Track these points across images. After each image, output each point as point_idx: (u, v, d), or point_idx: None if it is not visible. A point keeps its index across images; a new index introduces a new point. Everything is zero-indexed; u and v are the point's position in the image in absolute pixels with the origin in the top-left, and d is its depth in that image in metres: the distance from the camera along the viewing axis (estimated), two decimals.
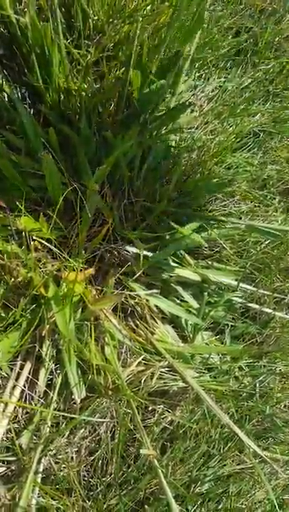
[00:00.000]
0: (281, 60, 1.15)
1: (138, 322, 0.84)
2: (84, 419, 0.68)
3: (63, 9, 0.78)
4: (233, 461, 0.88)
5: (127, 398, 0.69)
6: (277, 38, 1.19)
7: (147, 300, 0.85)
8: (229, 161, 0.95)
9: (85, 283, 0.77)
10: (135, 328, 0.83)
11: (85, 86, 0.72)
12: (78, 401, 0.67)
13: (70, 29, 0.79)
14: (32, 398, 0.70)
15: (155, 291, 0.85)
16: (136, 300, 0.84)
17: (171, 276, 0.88)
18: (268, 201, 1.01)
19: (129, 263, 0.86)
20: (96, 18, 0.79)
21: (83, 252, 0.80)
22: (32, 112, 0.75)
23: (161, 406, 0.78)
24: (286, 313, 0.96)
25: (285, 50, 1.19)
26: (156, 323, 0.86)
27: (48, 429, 0.68)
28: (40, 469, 0.68)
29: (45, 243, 0.69)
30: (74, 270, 0.67)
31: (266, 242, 0.96)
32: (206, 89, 0.99)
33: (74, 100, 0.74)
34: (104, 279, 0.84)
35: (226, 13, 1.04)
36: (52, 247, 0.69)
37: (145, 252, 0.87)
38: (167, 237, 0.89)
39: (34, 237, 0.70)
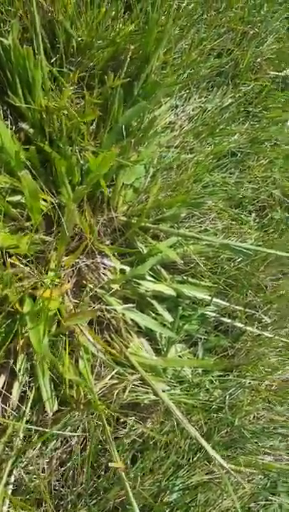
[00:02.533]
0: (261, 81, 1.19)
1: (113, 335, 0.86)
2: (56, 433, 0.70)
3: (48, 30, 0.80)
4: (201, 470, 0.91)
5: (98, 412, 0.71)
6: (258, 60, 1.23)
7: (123, 314, 0.87)
8: (206, 180, 0.98)
9: (61, 297, 0.78)
10: (110, 341, 0.86)
11: (66, 106, 0.74)
12: (50, 414, 0.69)
13: (54, 49, 0.81)
14: (5, 411, 0.71)
15: (131, 305, 0.87)
16: (112, 314, 0.86)
17: (147, 291, 0.91)
18: (243, 219, 1.05)
19: (106, 277, 0.88)
20: (80, 38, 0.81)
21: (60, 266, 0.82)
22: (13, 130, 0.77)
23: (133, 418, 0.81)
24: (257, 328, 1.00)
25: (266, 73, 1.24)
26: (131, 336, 0.88)
27: (20, 442, 0.69)
28: (12, 480, 0.70)
29: (22, 259, 0.71)
30: (51, 286, 0.69)
31: (239, 259, 0.99)
32: (187, 109, 1.02)
33: (55, 119, 0.75)
34: (81, 293, 0.86)
35: (209, 36, 1.07)
36: (29, 264, 0.71)
37: (122, 266, 0.90)
38: (144, 251, 0.92)
39: (11, 253, 0.72)
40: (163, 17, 0.86)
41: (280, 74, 1.21)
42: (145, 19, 0.89)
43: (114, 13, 0.86)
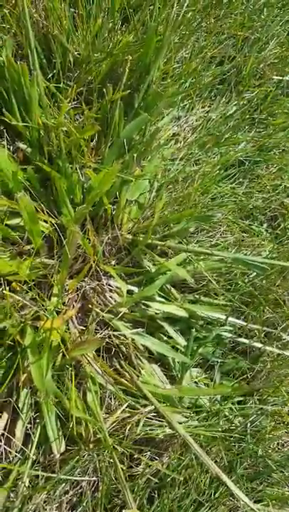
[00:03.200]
0: (265, 87, 1.15)
1: (123, 363, 0.80)
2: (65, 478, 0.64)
3: (43, 44, 0.76)
4: (225, 506, 0.84)
5: (109, 450, 0.65)
6: (261, 66, 1.19)
7: (133, 339, 0.81)
8: (214, 192, 0.93)
9: (65, 325, 0.73)
10: (120, 369, 0.80)
11: (65, 122, 0.70)
12: (58, 456, 0.63)
13: (50, 64, 0.77)
14: (9, 453, 0.65)
15: (140, 330, 0.81)
16: (121, 339, 0.81)
17: (157, 313, 0.85)
18: (255, 230, 1.00)
19: (113, 300, 0.83)
20: (76, 52, 0.78)
21: (64, 290, 0.77)
22: (11, 150, 0.73)
23: (148, 454, 0.74)
24: (276, 347, 0.94)
25: (269, 78, 1.20)
26: (142, 363, 0.82)
27: (26, 487, 0.63)
28: None
29: (23, 285, 0.66)
30: (53, 314, 0.64)
31: (254, 274, 0.93)
32: (190, 119, 0.98)
33: (54, 137, 0.71)
34: (87, 318, 0.81)
35: (209, 43, 1.04)
36: (30, 290, 0.66)
37: (130, 287, 0.84)
38: (152, 270, 0.86)
39: (11, 280, 0.67)
40: (161, 26, 0.83)
41: (284, 78, 1.17)
42: (143, 30, 0.86)
43: (111, 24, 0.83)
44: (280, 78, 1.19)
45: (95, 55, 0.80)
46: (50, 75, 0.79)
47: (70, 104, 0.74)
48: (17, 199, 0.63)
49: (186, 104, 0.99)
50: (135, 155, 0.76)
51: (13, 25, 0.71)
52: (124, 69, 0.77)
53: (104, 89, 0.76)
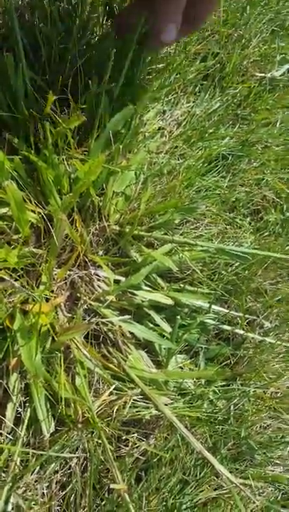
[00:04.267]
0: (248, 84, 1.18)
1: (110, 349, 0.83)
2: (54, 455, 0.66)
3: (29, 37, 0.78)
4: (209, 486, 0.87)
5: (98, 430, 0.67)
6: (244, 62, 1.23)
7: (120, 326, 0.84)
8: (198, 185, 0.96)
9: (54, 312, 0.75)
10: (108, 355, 0.82)
11: (51, 113, 0.72)
12: (47, 436, 0.65)
13: (36, 56, 0.79)
14: (0, 434, 0.67)
15: (128, 316, 0.84)
16: (108, 326, 0.83)
17: (143, 301, 0.88)
18: (238, 223, 1.03)
19: (101, 289, 0.85)
20: (62, 46, 0.80)
21: (52, 279, 0.79)
22: None
23: (135, 435, 0.77)
24: (258, 334, 0.97)
25: (252, 74, 1.23)
26: (130, 349, 0.85)
27: (17, 466, 0.65)
28: (9, 509, 0.66)
29: (12, 273, 0.68)
30: (42, 300, 0.66)
31: (237, 264, 0.97)
32: (175, 114, 1.01)
33: (40, 127, 0.73)
34: (75, 306, 0.83)
35: (193, 40, 1.07)
36: (18, 278, 0.68)
37: (117, 277, 0.87)
38: (139, 260, 0.89)
39: (0, 267, 0.68)
40: None
41: (266, 75, 1.20)
42: None
43: (96, 19, 0.85)
44: (263, 75, 1.23)
45: (81, 47, 0.82)
46: (36, 68, 0.80)
47: (55, 97, 0.75)
48: (4, 187, 0.65)
49: (170, 99, 1.02)
50: (121, 146, 0.79)
51: None
52: (109, 62, 0.79)
53: (89, 81, 0.79)
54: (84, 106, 0.73)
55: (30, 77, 0.73)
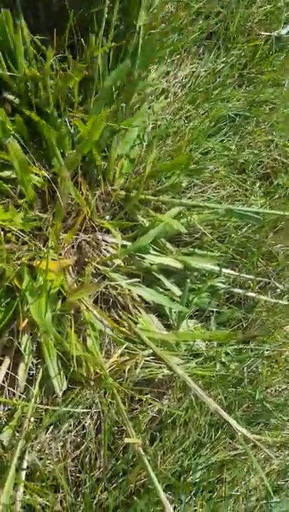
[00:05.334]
0: (253, 43, 1.14)
1: (121, 312, 0.82)
2: (68, 412, 0.66)
3: None
4: (225, 448, 0.87)
5: (110, 388, 0.67)
6: (249, 23, 1.18)
7: (129, 290, 0.83)
8: (205, 146, 0.94)
9: (62, 275, 0.75)
10: (118, 318, 0.82)
11: (51, 72, 0.71)
12: (60, 394, 0.66)
13: (34, 14, 0.77)
14: (13, 394, 0.68)
15: (136, 279, 0.83)
16: (118, 290, 0.83)
17: (152, 265, 0.87)
18: (247, 185, 1.01)
19: (109, 254, 0.84)
20: (60, 2, 0.77)
21: (59, 243, 0.78)
22: None
23: (148, 395, 0.77)
24: (270, 297, 0.96)
25: (257, 34, 1.19)
26: (140, 312, 0.84)
27: (30, 424, 0.66)
28: (24, 466, 0.66)
29: (19, 234, 0.67)
30: (51, 258, 0.65)
31: (247, 227, 0.95)
32: (179, 74, 0.98)
33: (41, 87, 0.72)
34: (83, 271, 0.83)
35: None
36: (25, 239, 0.67)
37: (124, 242, 0.86)
38: (146, 224, 0.88)
39: (6, 230, 0.68)
40: None
41: (272, 34, 1.16)
42: None
43: None
44: (268, 34, 1.19)
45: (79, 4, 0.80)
46: (33, 26, 0.78)
47: (55, 56, 0.74)
48: (6, 146, 0.64)
49: (174, 60, 0.99)
50: (124, 106, 0.77)
51: None
52: (109, 19, 0.77)
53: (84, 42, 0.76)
54: (83, 65, 0.71)
55: (29, 36, 0.72)
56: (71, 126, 0.76)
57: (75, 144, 0.77)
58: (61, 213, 0.73)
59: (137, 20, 0.77)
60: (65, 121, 0.75)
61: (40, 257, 0.68)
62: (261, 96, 1.08)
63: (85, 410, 0.67)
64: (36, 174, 0.75)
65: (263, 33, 1.16)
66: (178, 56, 0.99)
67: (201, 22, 1.03)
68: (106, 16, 0.72)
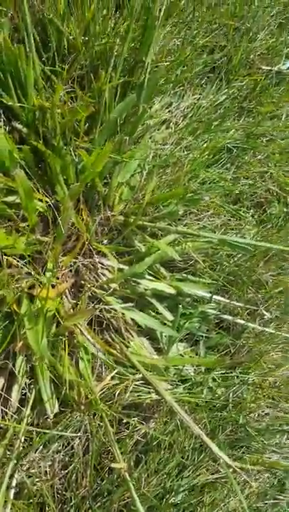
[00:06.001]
0: (254, 77, 1.19)
1: (113, 335, 0.85)
2: (57, 434, 0.69)
3: (39, 28, 0.79)
4: (207, 470, 0.90)
5: (100, 412, 0.70)
6: (251, 56, 1.23)
7: (123, 313, 0.86)
8: (203, 176, 0.98)
9: (59, 298, 0.77)
10: (110, 341, 0.84)
11: (59, 104, 0.74)
12: (51, 416, 0.68)
13: (46, 47, 0.80)
14: (6, 414, 0.70)
15: (130, 304, 0.86)
16: (111, 314, 0.85)
17: (146, 290, 0.90)
18: (241, 215, 1.04)
19: (105, 277, 0.87)
20: (71, 37, 0.81)
21: (58, 266, 0.81)
22: (7, 129, 0.76)
23: (135, 419, 0.79)
24: (258, 324, 0.99)
25: (259, 68, 1.23)
26: (132, 335, 0.87)
27: (21, 444, 0.68)
28: (13, 484, 0.69)
29: (19, 260, 0.70)
30: (48, 285, 0.68)
31: (239, 255, 0.98)
32: (181, 105, 1.02)
33: (49, 118, 0.75)
34: (80, 294, 0.85)
35: (201, 32, 1.07)
36: (25, 264, 0.70)
37: (121, 266, 0.89)
38: (143, 250, 0.91)
39: (7, 254, 0.71)
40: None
41: (272, 69, 1.21)
42: (136, 17, 0.89)
43: (104, 11, 0.86)
44: (269, 68, 1.23)
45: (91, 39, 0.83)
46: (45, 58, 0.81)
47: (64, 87, 0.77)
48: (14, 176, 0.67)
49: (177, 91, 1.02)
50: (127, 138, 0.80)
51: (10, 8, 0.74)
52: (121, 55, 0.80)
53: (93, 76, 0.80)
54: (91, 100, 0.74)
55: (40, 69, 0.75)
56: (75, 155, 0.79)
57: (79, 172, 0.80)
58: (61, 239, 0.76)
59: (146, 56, 0.81)
60: (70, 151, 0.78)
61: (40, 283, 0.70)
62: (259, 128, 1.12)
63: (75, 435, 0.69)
64: (40, 200, 0.78)
65: (264, 67, 1.21)
66: (181, 88, 1.03)
67: (205, 56, 1.07)
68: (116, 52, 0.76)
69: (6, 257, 0.69)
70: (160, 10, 0.81)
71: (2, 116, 0.75)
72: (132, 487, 0.65)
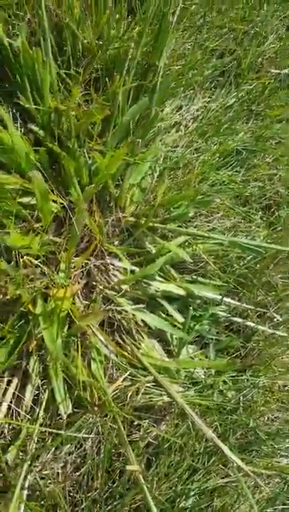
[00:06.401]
0: (263, 80, 1.19)
1: (124, 337, 0.85)
2: (71, 435, 0.69)
3: (55, 32, 0.80)
4: (217, 474, 0.89)
5: (112, 414, 0.70)
6: (259, 59, 1.24)
7: (134, 315, 0.86)
8: (213, 179, 0.98)
9: (72, 298, 0.78)
10: (121, 342, 0.84)
11: (75, 106, 0.74)
12: (64, 417, 0.68)
13: (61, 51, 0.81)
14: (18, 414, 0.70)
15: (141, 305, 0.86)
16: (122, 315, 0.85)
17: (157, 291, 0.90)
18: (251, 217, 1.04)
19: (116, 278, 0.87)
20: (86, 41, 0.81)
21: (71, 267, 0.81)
22: (23, 131, 0.77)
23: (147, 421, 0.79)
24: (268, 327, 0.99)
25: (267, 71, 1.24)
26: (142, 337, 0.87)
27: (34, 445, 0.68)
28: (26, 485, 0.68)
29: (34, 260, 0.70)
30: (62, 287, 0.68)
31: (249, 257, 0.98)
32: (191, 108, 1.02)
33: (64, 120, 0.75)
34: (91, 294, 0.85)
35: (211, 36, 1.08)
36: (39, 264, 0.70)
37: (132, 267, 0.89)
38: (153, 251, 0.91)
39: (23, 254, 0.71)
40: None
41: (281, 72, 1.21)
42: (148, 22, 0.89)
43: (118, 16, 0.87)
44: (278, 72, 1.24)
45: (105, 43, 0.84)
46: (60, 62, 0.82)
47: (80, 89, 0.77)
48: (30, 177, 0.67)
49: (187, 94, 1.03)
50: (140, 140, 0.80)
51: (27, 13, 0.75)
52: (134, 58, 0.81)
53: (108, 79, 0.80)
54: (108, 104, 0.75)
55: (56, 72, 0.75)
56: (89, 157, 0.79)
57: (92, 174, 0.81)
58: (75, 241, 0.76)
59: (159, 60, 0.81)
60: (84, 153, 0.79)
61: (54, 283, 0.71)
62: (268, 131, 1.12)
63: (88, 436, 0.69)
64: (54, 201, 0.78)
65: (273, 70, 1.22)
66: (191, 91, 1.04)
67: (215, 60, 1.07)
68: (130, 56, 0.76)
69: (21, 258, 0.69)
70: (173, 14, 0.82)
71: (19, 118, 0.76)
72: (146, 490, 0.65)
